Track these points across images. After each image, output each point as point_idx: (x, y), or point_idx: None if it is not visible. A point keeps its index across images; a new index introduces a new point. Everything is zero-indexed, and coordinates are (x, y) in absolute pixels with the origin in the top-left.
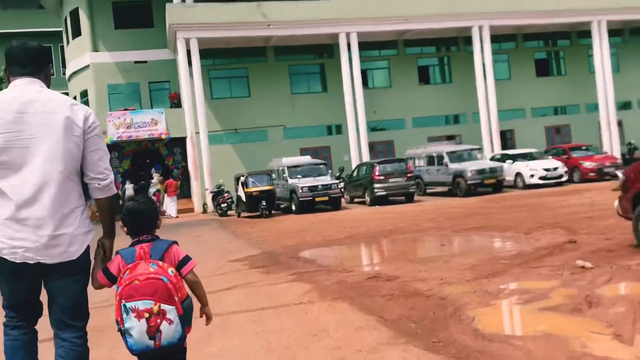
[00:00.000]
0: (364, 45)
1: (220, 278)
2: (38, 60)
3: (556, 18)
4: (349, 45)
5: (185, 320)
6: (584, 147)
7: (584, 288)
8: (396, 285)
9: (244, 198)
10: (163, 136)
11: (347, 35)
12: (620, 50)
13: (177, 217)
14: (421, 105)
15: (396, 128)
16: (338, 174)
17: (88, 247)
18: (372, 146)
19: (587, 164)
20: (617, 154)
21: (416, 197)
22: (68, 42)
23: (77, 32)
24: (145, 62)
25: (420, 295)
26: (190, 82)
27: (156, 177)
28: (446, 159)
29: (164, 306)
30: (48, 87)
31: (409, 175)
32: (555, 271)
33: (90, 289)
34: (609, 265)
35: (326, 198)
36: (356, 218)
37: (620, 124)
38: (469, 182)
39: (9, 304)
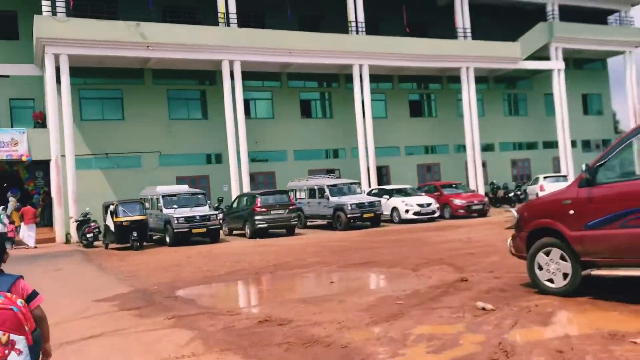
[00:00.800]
0: (247, 75)
1: (84, 323)
2: None
3: (429, 62)
4: (232, 73)
5: (35, 352)
6: (453, 185)
7: (493, 334)
8: (291, 331)
9: (112, 228)
10: (24, 158)
11: (231, 63)
12: (485, 96)
13: (35, 247)
14: (303, 138)
15: (278, 159)
16: (217, 205)
17: None
18: (252, 177)
19: (458, 201)
20: (482, 192)
21: (297, 230)
22: None
23: None
24: (7, 76)
25: (320, 343)
26: (58, 101)
27: (12, 203)
28: (327, 192)
29: (13, 336)
30: None
31: (291, 207)
32: (456, 313)
33: None
34: (509, 307)
35: (204, 230)
36: (237, 252)
37: (484, 164)
38: (349, 215)
39: None
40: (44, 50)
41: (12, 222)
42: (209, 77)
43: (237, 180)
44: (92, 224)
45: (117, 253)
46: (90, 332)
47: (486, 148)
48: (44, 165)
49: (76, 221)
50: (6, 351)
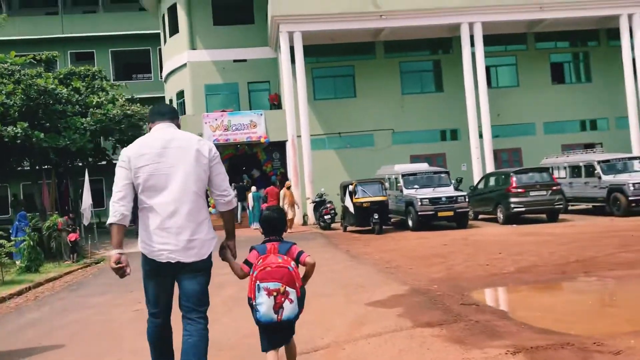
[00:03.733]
0: (487, 39)
1: (376, 347)
2: (172, 111)
3: None
4: (471, 38)
5: (301, 303)
6: None
7: None
8: None
9: (352, 209)
10: (262, 140)
11: (471, 26)
12: None
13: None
14: (554, 108)
15: (524, 134)
16: (456, 185)
17: (211, 252)
18: (495, 154)
19: None
20: None
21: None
22: (165, 41)
23: (174, 30)
24: (245, 60)
25: None
26: (293, 81)
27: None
28: (598, 169)
29: (288, 288)
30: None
31: (554, 188)
32: None
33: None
34: None
35: (451, 213)
36: (500, 240)
37: None
38: (630, 197)
39: (151, 300)
40: (278, 30)
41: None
42: (443, 46)
43: (479, 158)
44: (329, 204)
45: (359, 237)
46: None
47: None
48: (280, 146)
49: (313, 202)
50: (283, 299)
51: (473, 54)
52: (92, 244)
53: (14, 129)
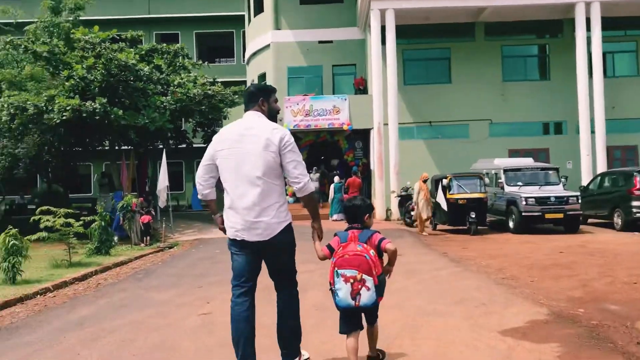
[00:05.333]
0: (604, 22)
1: None
2: (253, 96)
3: None
4: (587, 20)
5: (379, 291)
6: None
7: None
8: None
9: (444, 206)
10: (345, 127)
11: (587, 6)
12: None
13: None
14: None
15: None
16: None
17: (288, 231)
18: (607, 152)
19: None
20: None
21: None
22: (249, 21)
23: (259, 9)
24: (331, 42)
25: None
26: (382, 65)
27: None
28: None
29: (364, 276)
30: (267, 111)
31: None
32: None
33: None
34: None
35: (560, 215)
36: (627, 250)
37: None
38: None
39: (234, 273)
40: (369, 7)
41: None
42: (551, 29)
43: (589, 155)
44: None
45: (452, 237)
46: None
47: None
48: (363, 135)
49: (398, 196)
50: (360, 286)
51: (588, 39)
52: (166, 227)
53: (92, 104)
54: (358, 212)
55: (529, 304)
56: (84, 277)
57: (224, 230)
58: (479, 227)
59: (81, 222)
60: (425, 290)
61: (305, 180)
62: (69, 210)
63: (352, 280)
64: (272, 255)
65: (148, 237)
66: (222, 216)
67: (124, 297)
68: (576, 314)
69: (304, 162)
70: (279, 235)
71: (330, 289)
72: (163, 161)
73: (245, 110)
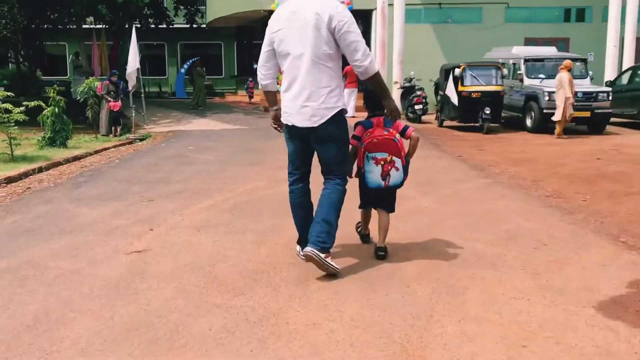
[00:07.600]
0: None
1: None
2: None
3: None
4: None
5: (406, 170)
6: None
7: None
8: None
9: (454, 100)
10: (344, 5)
11: None
12: None
13: (353, 117)
14: None
15: None
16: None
17: (338, 121)
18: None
19: None
20: None
21: None
22: None
23: None
24: None
25: None
26: None
27: None
28: None
29: (394, 157)
30: None
31: None
32: None
33: None
34: None
35: (587, 114)
36: None
37: None
38: None
39: (289, 159)
40: None
41: None
42: None
43: (617, 47)
44: (420, 92)
45: (462, 135)
46: None
47: None
48: (364, 16)
49: (401, 87)
50: (390, 167)
51: None
52: (137, 115)
53: None
54: (379, 100)
55: (607, 244)
56: (18, 177)
57: (276, 128)
58: (491, 125)
59: (21, 109)
60: (451, 215)
61: (366, 64)
62: (8, 93)
63: (382, 162)
64: (319, 145)
65: (119, 127)
66: (276, 111)
67: (41, 214)
68: None
69: (363, 40)
70: (327, 123)
71: (359, 173)
72: (133, 39)
73: None
